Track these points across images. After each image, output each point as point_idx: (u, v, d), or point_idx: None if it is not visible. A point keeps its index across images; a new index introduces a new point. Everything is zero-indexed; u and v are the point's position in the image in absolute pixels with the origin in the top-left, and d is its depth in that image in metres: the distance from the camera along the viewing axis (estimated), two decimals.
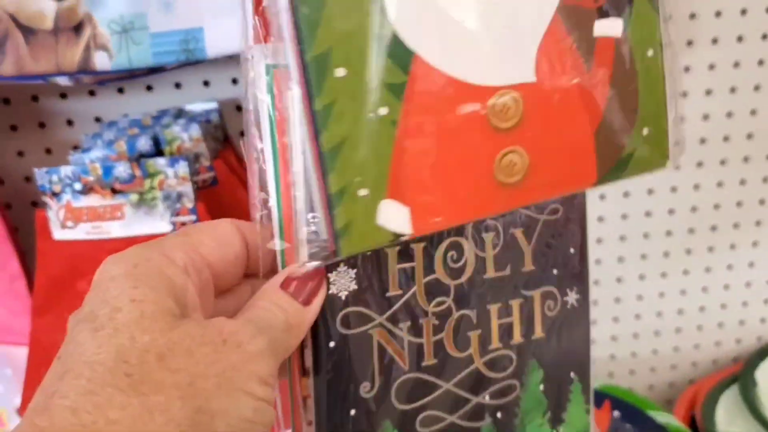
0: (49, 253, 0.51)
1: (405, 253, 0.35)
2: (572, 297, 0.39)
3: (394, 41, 0.30)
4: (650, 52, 0.36)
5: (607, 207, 0.70)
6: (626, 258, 0.72)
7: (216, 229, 0.31)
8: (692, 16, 0.64)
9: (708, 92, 0.66)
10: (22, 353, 0.53)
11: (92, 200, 0.49)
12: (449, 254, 0.36)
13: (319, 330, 0.33)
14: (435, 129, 0.32)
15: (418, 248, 0.35)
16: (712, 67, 0.66)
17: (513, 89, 0.33)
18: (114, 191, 0.50)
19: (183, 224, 0.50)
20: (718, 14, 0.64)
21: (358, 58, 0.30)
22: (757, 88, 0.66)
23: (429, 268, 0.36)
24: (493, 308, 0.37)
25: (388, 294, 0.35)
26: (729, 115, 0.67)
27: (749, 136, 0.68)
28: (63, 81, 0.48)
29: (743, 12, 0.63)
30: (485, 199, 0.34)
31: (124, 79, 0.52)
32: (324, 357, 0.33)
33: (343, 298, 0.33)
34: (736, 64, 0.65)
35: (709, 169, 0.69)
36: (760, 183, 0.70)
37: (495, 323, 0.37)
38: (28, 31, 0.44)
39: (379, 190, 0.31)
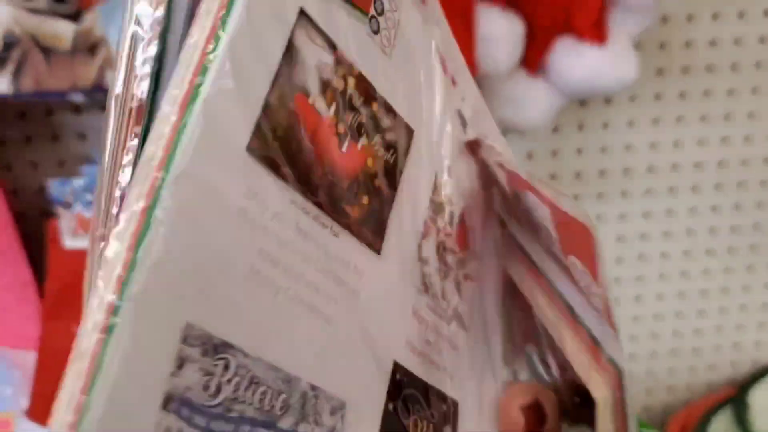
0: (59, 261, 0.53)
1: None
2: None
3: None
4: None
5: (603, 229, 0.71)
6: (622, 280, 0.74)
7: None
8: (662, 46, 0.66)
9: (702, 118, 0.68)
10: (30, 357, 0.55)
11: None
12: None
13: None
14: None
15: None
16: (707, 93, 0.67)
17: None
18: None
19: None
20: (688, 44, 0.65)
21: None
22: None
23: None
24: None
25: None
26: (724, 140, 0.69)
27: (744, 163, 0.70)
28: (78, 98, 0.50)
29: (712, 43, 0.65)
30: None
31: None
32: None
33: None
34: (731, 92, 0.67)
35: (706, 194, 0.71)
36: (754, 208, 0.71)
37: None
38: (47, 52, 0.46)
39: None
